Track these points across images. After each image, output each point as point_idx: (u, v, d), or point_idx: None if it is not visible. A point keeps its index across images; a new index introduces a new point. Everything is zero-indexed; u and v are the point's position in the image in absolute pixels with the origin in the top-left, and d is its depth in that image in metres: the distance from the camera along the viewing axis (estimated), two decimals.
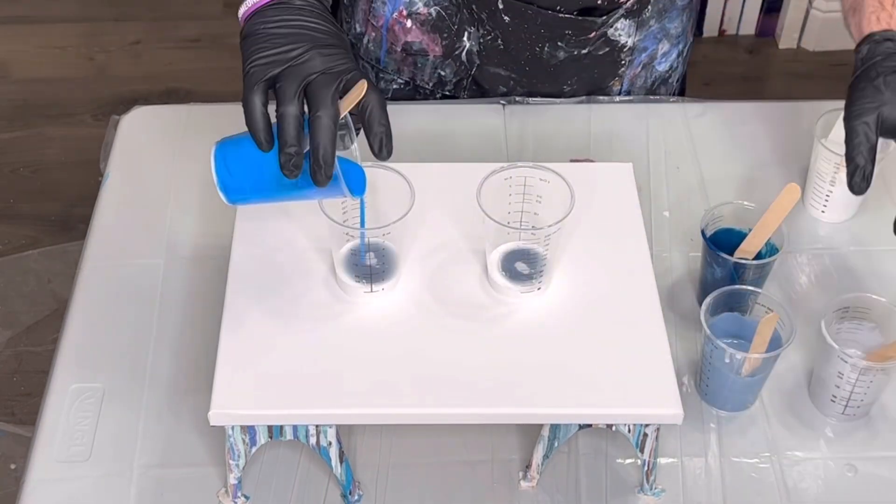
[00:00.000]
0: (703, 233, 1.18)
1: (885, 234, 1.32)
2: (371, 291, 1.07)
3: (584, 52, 1.38)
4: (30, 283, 2.37)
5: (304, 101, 0.99)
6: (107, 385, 1.15)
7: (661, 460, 1.09)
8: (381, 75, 1.35)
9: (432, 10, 1.37)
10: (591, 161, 1.36)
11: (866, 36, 1.15)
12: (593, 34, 1.35)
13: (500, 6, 1.33)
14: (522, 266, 1.07)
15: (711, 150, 1.41)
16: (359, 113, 1.00)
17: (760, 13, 3.04)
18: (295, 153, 0.96)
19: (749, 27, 3.07)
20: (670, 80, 1.50)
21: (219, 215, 1.28)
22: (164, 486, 1.08)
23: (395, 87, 1.45)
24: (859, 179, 1.08)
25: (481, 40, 1.38)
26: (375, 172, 1.07)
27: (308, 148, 0.96)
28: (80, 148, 2.69)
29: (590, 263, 1.11)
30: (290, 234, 1.13)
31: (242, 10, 1.06)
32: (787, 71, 2.99)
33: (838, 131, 1.30)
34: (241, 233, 1.13)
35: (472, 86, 1.44)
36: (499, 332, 1.06)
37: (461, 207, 1.12)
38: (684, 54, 1.49)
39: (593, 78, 1.42)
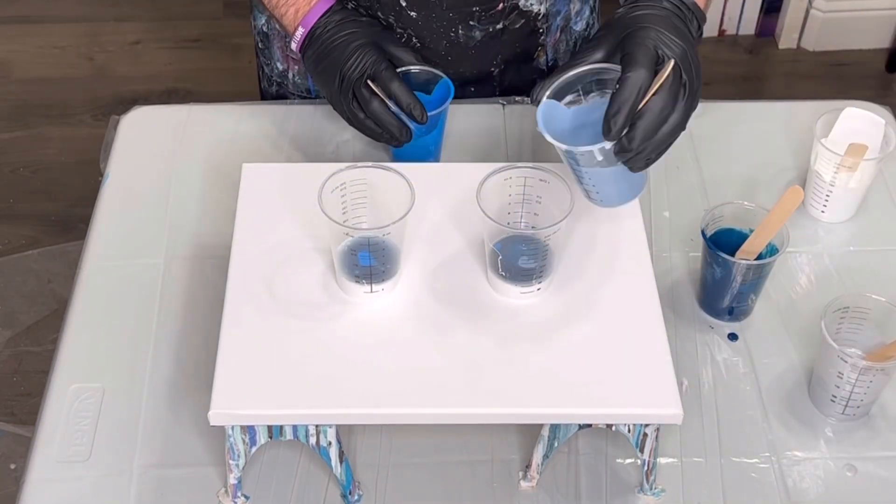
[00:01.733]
0: (703, 233, 1.18)
1: (885, 233, 1.32)
2: (371, 292, 1.07)
3: (498, 27, 1.38)
4: (30, 283, 2.37)
5: None
6: (107, 385, 1.15)
7: (661, 460, 1.09)
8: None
9: None
10: None
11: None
12: (501, 6, 1.35)
13: (403, 3, 1.33)
14: (524, 260, 1.06)
15: (711, 150, 1.41)
16: None
17: (760, 13, 3.04)
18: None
19: (749, 27, 3.07)
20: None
21: (219, 215, 1.28)
22: (164, 486, 1.08)
23: None
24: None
25: None
26: (375, 173, 1.07)
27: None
28: (80, 148, 2.69)
29: (590, 263, 1.11)
30: (290, 234, 1.13)
31: None
32: (787, 71, 2.99)
33: (838, 131, 1.30)
34: (241, 233, 1.13)
35: None
36: (499, 333, 1.06)
37: (461, 207, 1.12)
38: (596, 9, 1.49)
39: (516, 53, 1.42)
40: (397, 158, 1.34)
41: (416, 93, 1.31)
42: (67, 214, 2.53)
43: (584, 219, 1.12)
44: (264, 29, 1.46)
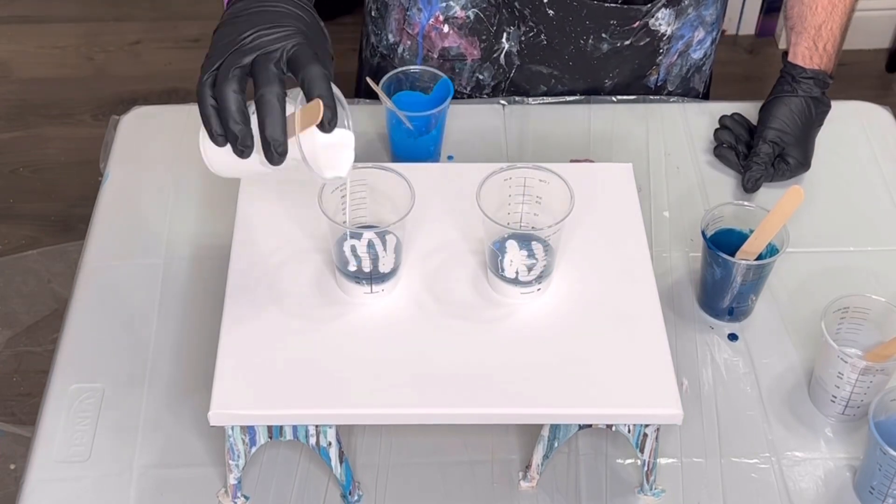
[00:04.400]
0: (703, 233, 1.18)
1: (885, 233, 1.32)
2: (371, 292, 1.07)
3: (626, 43, 1.39)
4: (30, 283, 2.37)
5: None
6: (107, 385, 1.15)
7: (661, 460, 1.09)
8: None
9: (470, 12, 1.37)
10: (591, 161, 1.36)
11: (797, 66, 1.36)
12: (637, 23, 1.36)
13: (545, 0, 1.33)
14: (523, 257, 1.06)
15: (711, 150, 1.41)
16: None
17: (760, 13, 3.03)
18: (239, 132, 0.95)
19: (749, 27, 3.07)
20: (703, 68, 1.51)
21: (219, 215, 1.28)
22: (164, 486, 1.08)
23: None
24: (751, 186, 1.34)
25: (522, 38, 1.38)
26: (375, 173, 1.07)
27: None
28: (80, 148, 2.69)
29: (590, 264, 1.11)
30: (290, 234, 1.13)
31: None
32: None
33: None
34: (241, 232, 1.13)
35: (511, 88, 1.45)
36: (499, 333, 1.06)
37: (461, 207, 1.12)
38: (716, 42, 1.51)
39: (633, 69, 1.43)
40: (397, 158, 1.34)
41: (415, 93, 1.32)
42: (67, 214, 2.53)
43: (584, 219, 1.12)
44: None
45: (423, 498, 1.08)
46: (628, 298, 1.08)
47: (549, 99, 1.45)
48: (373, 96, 1.45)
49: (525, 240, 1.06)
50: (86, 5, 3.12)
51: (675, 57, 1.44)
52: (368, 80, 1.31)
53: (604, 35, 1.37)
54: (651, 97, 1.47)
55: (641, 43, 1.39)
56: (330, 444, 1.04)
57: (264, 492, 1.08)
